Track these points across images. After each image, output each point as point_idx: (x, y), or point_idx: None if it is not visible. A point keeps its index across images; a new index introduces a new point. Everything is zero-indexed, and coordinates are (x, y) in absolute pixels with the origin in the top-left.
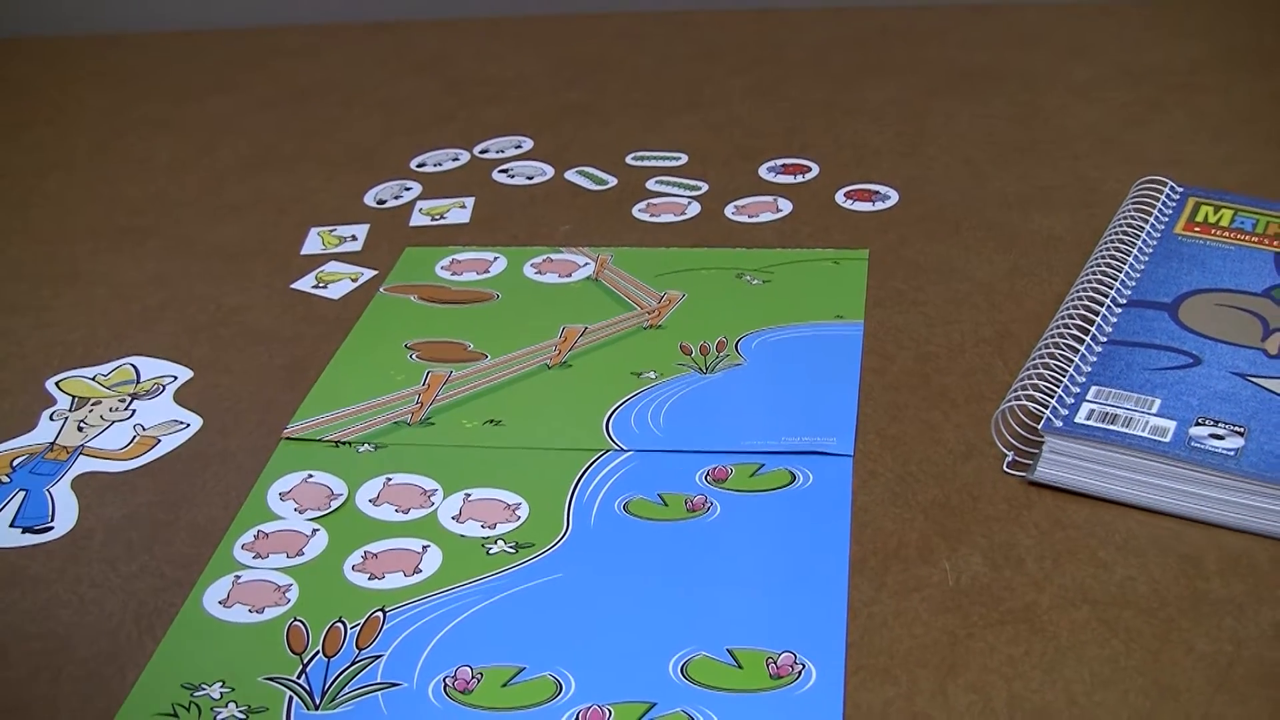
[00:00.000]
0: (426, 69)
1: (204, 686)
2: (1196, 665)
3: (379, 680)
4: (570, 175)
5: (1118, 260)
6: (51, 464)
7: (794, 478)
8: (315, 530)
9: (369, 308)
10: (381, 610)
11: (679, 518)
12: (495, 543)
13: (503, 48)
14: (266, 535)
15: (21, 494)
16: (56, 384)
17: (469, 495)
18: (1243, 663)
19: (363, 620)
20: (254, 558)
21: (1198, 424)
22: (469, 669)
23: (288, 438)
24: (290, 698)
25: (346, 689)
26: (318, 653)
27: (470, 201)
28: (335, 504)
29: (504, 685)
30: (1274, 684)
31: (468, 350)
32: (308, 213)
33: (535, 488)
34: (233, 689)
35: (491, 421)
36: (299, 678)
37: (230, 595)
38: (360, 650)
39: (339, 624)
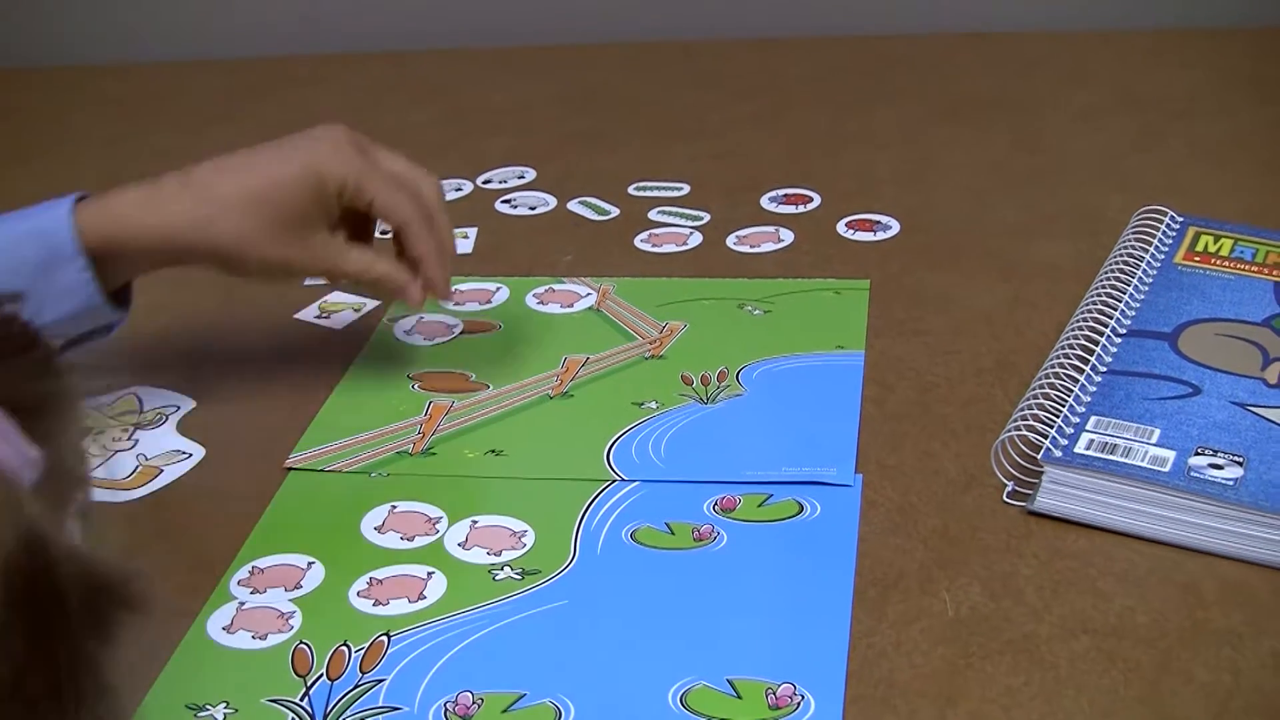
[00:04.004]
0: (429, 99)
1: (208, 707)
2: (1196, 695)
3: (381, 704)
4: (573, 205)
5: (1118, 290)
6: None
7: (802, 508)
8: (311, 563)
9: (372, 338)
10: (386, 635)
11: (685, 547)
12: (501, 569)
13: (505, 78)
14: (262, 570)
15: None
16: None
17: (475, 522)
18: (1242, 693)
19: (367, 644)
20: (251, 593)
21: (1197, 454)
22: (470, 694)
23: (290, 468)
24: (292, 719)
25: (348, 712)
26: (321, 675)
27: (473, 232)
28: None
29: (504, 711)
30: (1274, 714)
31: (470, 381)
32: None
33: (541, 516)
34: (236, 710)
35: (493, 452)
36: (302, 700)
37: (234, 621)
38: (364, 674)
39: (343, 647)
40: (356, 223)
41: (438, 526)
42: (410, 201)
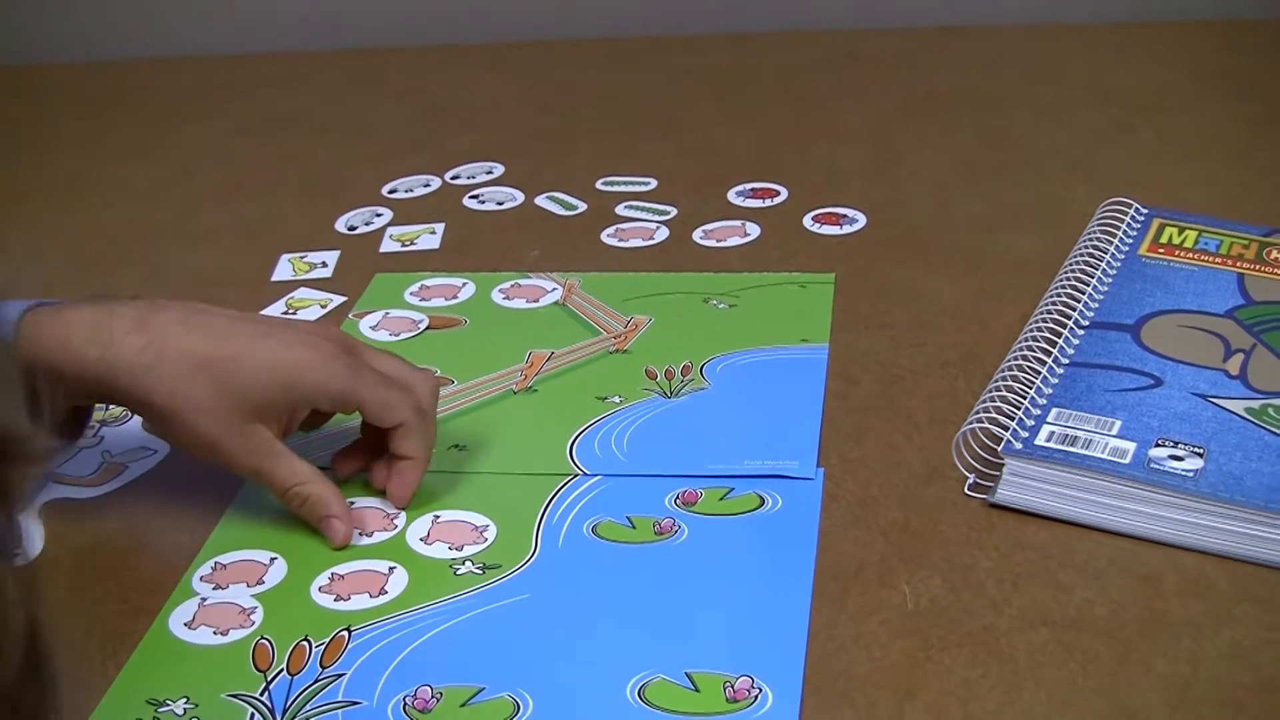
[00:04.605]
0: (399, 95)
1: (168, 702)
2: (1154, 686)
3: (340, 698)
4: (540, 200)
5: (1081, 282)
6: None
7: (763, 501)
8: (273, 559)
9: None
10: (347, 629)
11: (646, 540)
12: (463, 564)
13: (475, 74)
14: (224, 566)
15: None
16: None
17: (438, 517)
18: (1200, 683)
19: (328, 639)
20: (214, 589)
21: (1157, 445)
22: (429, 688)
23: None
24: (252, 714)
25: (308, 707)
26: (281, 670)
27: (440, 227)
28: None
29: (463, 705)
30: (1231, 705)
31: (434, 376)
32: (279, 239)
33: (503, 510)
34: (196, 705)
35: (456, 447)
36: (262, 695)
37: (196, 617)
38: (324, 669)
39: (304, 642)
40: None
41: (396, 522)
42: (405, 399)
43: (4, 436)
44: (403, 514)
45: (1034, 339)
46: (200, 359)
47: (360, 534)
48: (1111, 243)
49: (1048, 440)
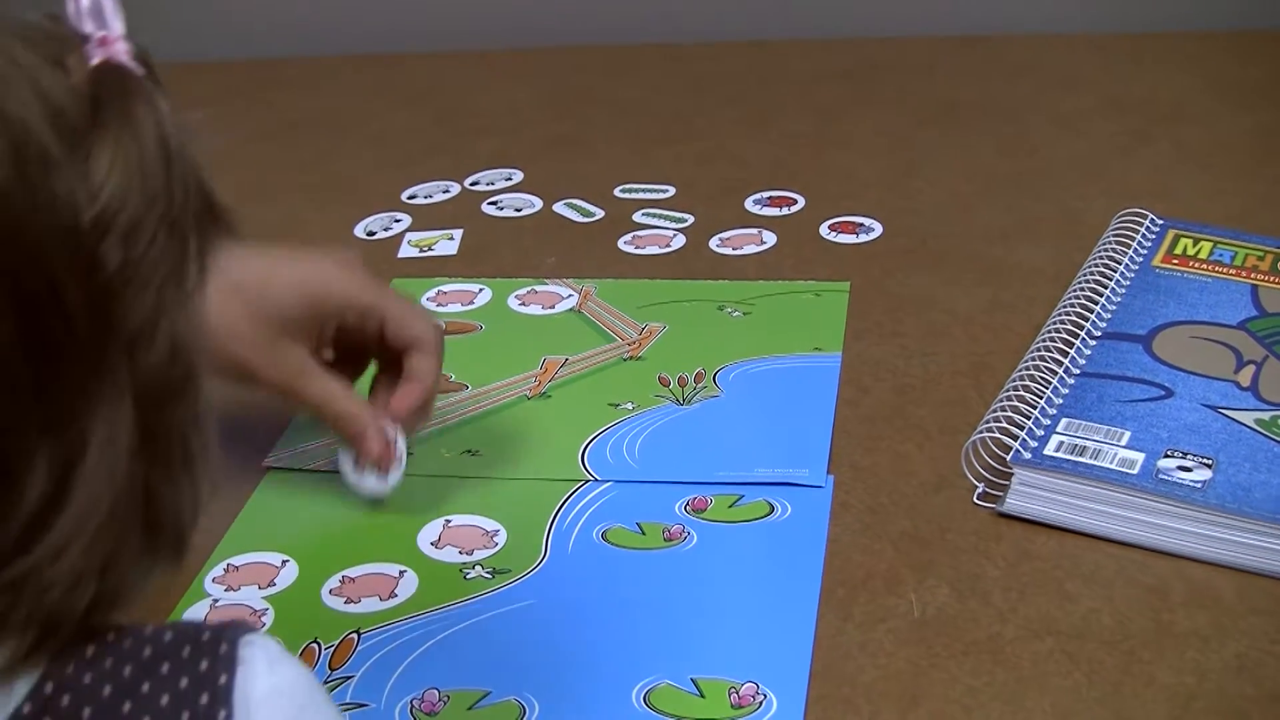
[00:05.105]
0: (418, 101)
1: None
2: (1158, 697)
3: (348, 701)
4: (558, 207)
5: (1095, 293)
6: None
7: (772, 509)
8: (285, 561)
9: None
10: (356, 632)
11: (656, 547)
12: (473, 568)
13: (494, 80)
14: (236, 568)
15: None
16: None
17: (449, 521)
18: (1204, 695)
19: (337, 641)
20: (225, 590)
21: (1166, 456)
22: (436, 691)
23: (269, 467)
24: None
25: None
26: None
27: (458, 233)
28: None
29: (469, 709)
30: (1235, 716)
31: (449, 381)
32: (297, 243)
33: (514, 515)
34: None
35: (469, 452)
36: None
37: (207, 619)
38: (333, 671)
39: (314, 644)
40: (351, 354)
41: (397, 448)
42: (424, 315)
43: (213, 200)
44: (401, 443)
45: (1046, 349)
46: (232, 284)
47: (373, 474)
48: (1126, 253)
49: (1057, 450)
